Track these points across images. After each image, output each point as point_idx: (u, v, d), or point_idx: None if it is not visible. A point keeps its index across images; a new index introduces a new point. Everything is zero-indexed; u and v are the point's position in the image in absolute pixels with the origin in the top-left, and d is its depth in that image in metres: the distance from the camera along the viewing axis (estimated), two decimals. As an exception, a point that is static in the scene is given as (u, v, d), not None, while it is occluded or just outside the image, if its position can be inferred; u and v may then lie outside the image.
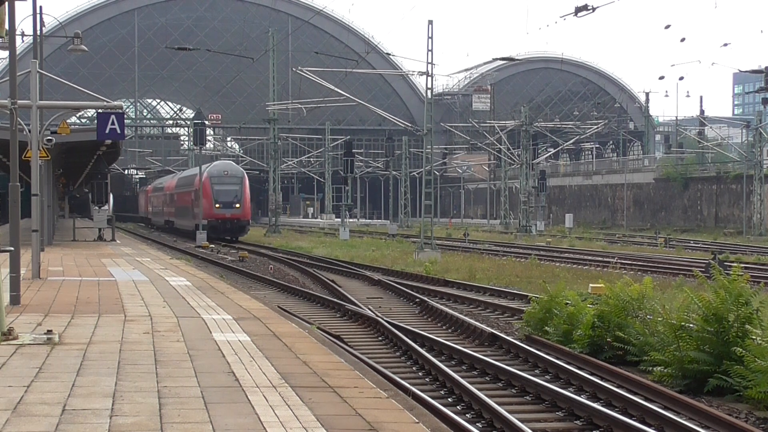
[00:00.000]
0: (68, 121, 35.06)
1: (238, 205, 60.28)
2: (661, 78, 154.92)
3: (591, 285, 20.69)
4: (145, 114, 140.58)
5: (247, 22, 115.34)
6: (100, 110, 23.52)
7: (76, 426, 7.53)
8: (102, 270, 25.61)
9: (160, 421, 7.72)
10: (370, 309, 21.50)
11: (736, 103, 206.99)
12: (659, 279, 28.03)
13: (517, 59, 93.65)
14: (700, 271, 18.75)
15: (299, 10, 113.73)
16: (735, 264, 15.88)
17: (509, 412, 11.27)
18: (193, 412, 8.08)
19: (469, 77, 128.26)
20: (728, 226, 73.38)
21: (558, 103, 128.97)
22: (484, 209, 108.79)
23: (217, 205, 59.48)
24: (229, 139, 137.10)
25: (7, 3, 15.08)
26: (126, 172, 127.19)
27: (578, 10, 35.48)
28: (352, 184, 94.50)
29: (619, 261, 36.07)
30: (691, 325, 13.55)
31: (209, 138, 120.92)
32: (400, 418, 8.17)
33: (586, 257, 40.93)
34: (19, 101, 19.14)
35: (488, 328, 18.13)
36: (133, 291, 19.36)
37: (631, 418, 11.09)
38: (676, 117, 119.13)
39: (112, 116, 22.10)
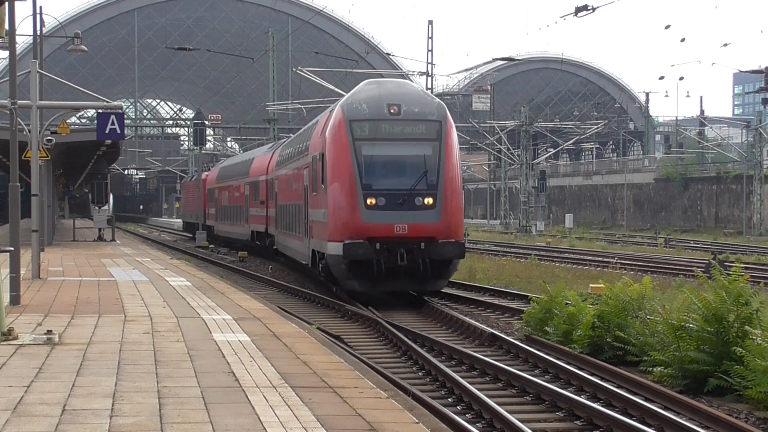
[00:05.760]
0: (68, 121, 35.10)
1: (429, 200, 23.21)
2: (661, 78, 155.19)
3: (591, 285, 20.69)
4: (145, 114, 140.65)
5: (247, 22, 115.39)
6: (100, 110, 23.54)
7: (76, 426, 7.53)
8: (102, 270, 25.61)
9: (160, 421, 7.72)
10: (370, 309, 21.47)
11: (736, 103, 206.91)
12: (659, 279, 28.03)
13: (517, 59, 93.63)
14: (701, 271, 18.75)
15: (299, 10, 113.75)
16: (735, 264, 15.87)
17: (509, 412, 11.27)
18: (193, 412, 8.08)
19: (469, 77, 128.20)
20: (728, 227, 73.35)
21: (558, 103, 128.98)
22: (484, 209, 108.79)
23: (369, 201, 22.99)
24: (229, 139, 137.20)
25: (7, 3, 15.08)
26: (126, 172, 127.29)
27: (578, 10, 35.47)
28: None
29: (619, 261, 36.06)
30: (691, 325, 13.56)
31: (209, 138, 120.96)
32: (400, 419, 8.17)
33: (586, 257, 40.91)
34: (19, 101, 19.17)
35: (488, 329, 18.12)
36: (133, 291, 19.36)
37: (631, 419, 11.09)
38: (676, 117, 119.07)
39: (112, 116, 22.12)
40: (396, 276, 22.74)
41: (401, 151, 23.45)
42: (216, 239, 55.08)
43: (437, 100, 24.59)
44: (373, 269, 22.30)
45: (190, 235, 65.06)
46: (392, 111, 23.46)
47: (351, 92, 25.07)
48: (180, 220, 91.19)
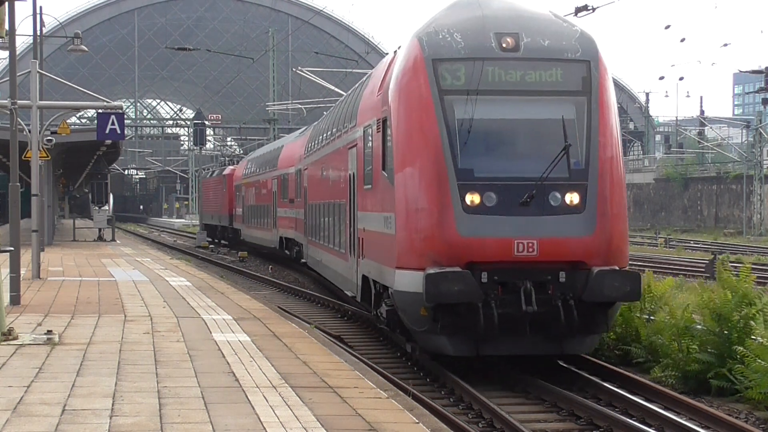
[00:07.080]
0: (68, 121, 35.08)
1: (574, 198, 13.08)
2: (661, 78, 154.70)
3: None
4: (145, 114, 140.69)
5: (247, 22, 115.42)
6: (100, 110, 23.55)
7: (76, 426, 7.53)
8: (102, 270, 25.61)
9: (160, 421, 7.72)
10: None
11: (736, 103, 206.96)
12: (659, 279, 27.99)
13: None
14: (702, 271, 18.77)
15: (299, 10, 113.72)
16: (740, 265, 15.87)
17: (509, 412, 11.26)
18: (193, 412, 8.08)
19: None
20: (728, 227, 73.34)
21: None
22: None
23: (469, 199, 12.93)
24: (229, 139, 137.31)
25: (7, 3, 15.08)
26: (126, 172, 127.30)
27: (578, 10, 35.41)
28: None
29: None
30: (695, 325, 13.56)
31: (209, 138, 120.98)
32: (400, 419, 8.16)
33: (586, 257, 40.80)
34: (19, 101, 19.19)
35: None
36: (133, 291, 19.36)
37: (631, 419, 11.09)
38: (676, 117, 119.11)
39: (112, 116, 22.13)
40: (516, 329, 12.78)
41: (523, 112, 13.80)
42: (244, 246, 44.85)
43: (579, 27, 14.32)
44: (479, 319, 12.57)
45: (209, 240, 54.34)
46: (505, 44, 13.74)
47: (432, 17, 14.61)
48: (180, 220, 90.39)
